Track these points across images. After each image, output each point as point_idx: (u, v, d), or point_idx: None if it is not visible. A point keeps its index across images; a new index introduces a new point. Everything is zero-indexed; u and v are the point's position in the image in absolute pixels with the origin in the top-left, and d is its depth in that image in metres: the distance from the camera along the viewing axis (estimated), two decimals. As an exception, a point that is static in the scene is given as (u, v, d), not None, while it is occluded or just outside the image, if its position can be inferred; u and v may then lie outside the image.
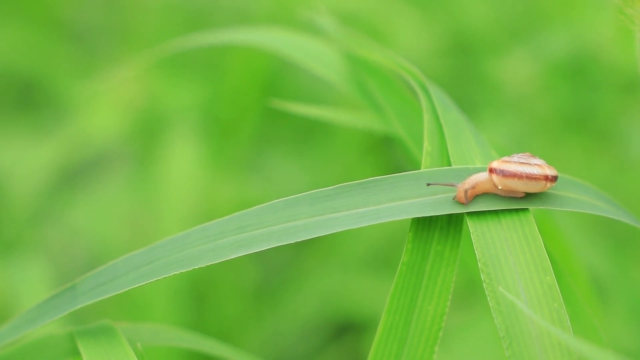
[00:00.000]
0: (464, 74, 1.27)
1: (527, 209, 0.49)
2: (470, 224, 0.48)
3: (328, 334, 1.23)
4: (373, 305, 1.18)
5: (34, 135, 1.30)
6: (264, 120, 1.32)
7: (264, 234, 0.49)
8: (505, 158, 0.51)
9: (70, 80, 1.36)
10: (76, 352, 0.52)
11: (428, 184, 0.50)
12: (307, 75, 1.29)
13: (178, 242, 0.50)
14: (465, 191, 0.49)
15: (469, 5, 1.28)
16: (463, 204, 0.49)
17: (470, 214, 0.49)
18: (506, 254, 0.47)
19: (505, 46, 1.24)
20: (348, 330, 1.22)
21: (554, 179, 0.50)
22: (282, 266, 1.26)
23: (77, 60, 1.40)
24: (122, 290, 0.49)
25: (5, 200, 1.25)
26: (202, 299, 1.21)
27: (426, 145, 0.52)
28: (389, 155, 1.29)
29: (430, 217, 0.49)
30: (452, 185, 0.49)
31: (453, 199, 0.49)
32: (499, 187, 0.50)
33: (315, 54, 0.64)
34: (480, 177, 0.50)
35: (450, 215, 0.49)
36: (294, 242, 0.48)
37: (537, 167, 0.50)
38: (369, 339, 1.14)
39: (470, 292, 1.11)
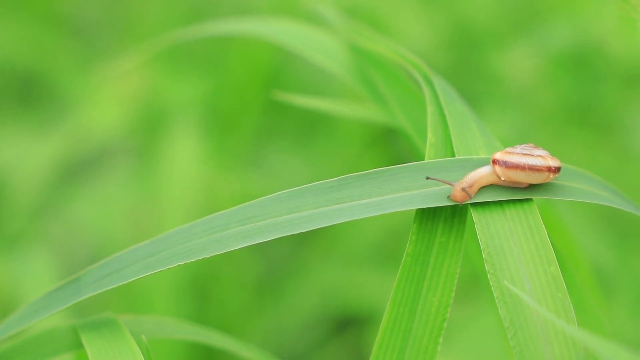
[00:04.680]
0: (466, 66, 1.26)
1: (531, 200, 0.49)
2: (475, 215, 0.48)
3: (330, 327, 1.23)
4: (375, 299, 1.18)
5: (36, 130, 1.30)
6: (266, 115, 1.32)
7: (269, 224, 0.49)
8: (509, 149, 0.51)
9: (71, 75, 1.36)
10: (79, 345, 0.52)
11: (427, 178, 0.49)
12: (309, 69, 1.29)
13: (183, 234, 0.50)
14: (462, 189, 0.49)
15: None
16: (457, 202, 0.49)
17: (474, 204, 0.49)
18: (510, 244, 0.47)
19: (507, 38, 1.24)
20: (350, 324, 1.22)
21: (557, 170, 0.50)
22: (284, 260, 1.26)
23: (78, 55, 1.40)
24: (127, 281, 0.49)
25: (8, 195, 1.25)
26: (204, 293, 1.21)
27: (430, 136, 0.52)
28: (390, 149, 1.29)
29: (435, 208, 0.49)
30: (449, 184, 0.49)
31: (448, 197, 0.49)
32: (502, 179, 0.50)
33: (318, 45, 0.64)
34: (482, 172, 0.50)
35: (454, 207, 0.49)
36: (298, 232, 0.48)
37: (540, 158, 0.50)
38: (371, 333, 1.14)
39: (473, 285, 1.11)
